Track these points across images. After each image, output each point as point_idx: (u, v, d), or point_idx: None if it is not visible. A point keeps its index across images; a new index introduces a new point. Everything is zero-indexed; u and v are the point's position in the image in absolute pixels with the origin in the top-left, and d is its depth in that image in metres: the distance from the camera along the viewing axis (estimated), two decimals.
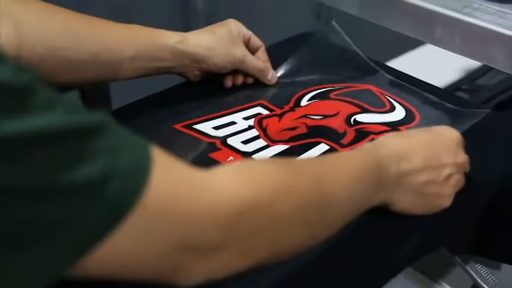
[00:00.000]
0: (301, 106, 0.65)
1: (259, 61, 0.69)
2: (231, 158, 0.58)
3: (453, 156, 0.51)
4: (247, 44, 0.69)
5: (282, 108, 0.64)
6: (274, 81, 0.69)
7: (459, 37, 0.66)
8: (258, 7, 1.71)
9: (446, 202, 0.52)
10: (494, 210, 0.59)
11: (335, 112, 0.63)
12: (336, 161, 0.47)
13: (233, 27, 0.67)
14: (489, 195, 0.59)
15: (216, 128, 0.62)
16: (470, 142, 0.55)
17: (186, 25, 1.93)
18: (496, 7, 0.66)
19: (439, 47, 0.68)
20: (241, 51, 0.67)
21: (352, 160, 0.47)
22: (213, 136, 0.61)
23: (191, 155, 0.59)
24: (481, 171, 0.56)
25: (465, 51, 0.66)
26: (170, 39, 0.63)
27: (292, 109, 0.64)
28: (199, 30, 0.67)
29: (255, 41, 0.70)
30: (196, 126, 0.62)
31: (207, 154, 0.58)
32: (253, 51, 0.69)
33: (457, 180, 0.52)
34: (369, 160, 0.47)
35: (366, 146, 0.51)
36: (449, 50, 0.67)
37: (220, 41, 0.66)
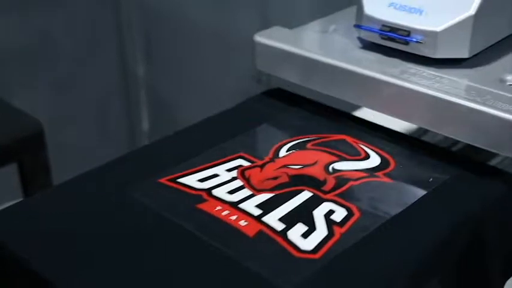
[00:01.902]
0: (279, 157, 0.66)
1: None
2: (218, 207, 0.58)
3: None
4: None
5: (262, 159, 0.65)
6: None
7: (398, 102, 0.66)
8: (197, 72, 1.72)
9: None
10: None
11: (314, 161, 0.65)
12: None
13: None
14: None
15: (201, 180, 0.62)
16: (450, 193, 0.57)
17: (126, 92, 1.92)
18: (433, 72, 0.68)
19: (380, 112, 0.68)
20: None
21: None
22: (198, 188, 0.61)
23: (179, 207, 0.59)
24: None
25: (404, 116, 0.67)
26: None
27: (272, 160, 0.65)
28: None
29: None
30: (181, 180, 0.62)
31: (194, 205, 0.59)
32: None
33: None
34: None
35: None
36: (389, 115, 0.68)
37: None
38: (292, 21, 0.85)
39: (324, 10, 0.87)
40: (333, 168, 0.64)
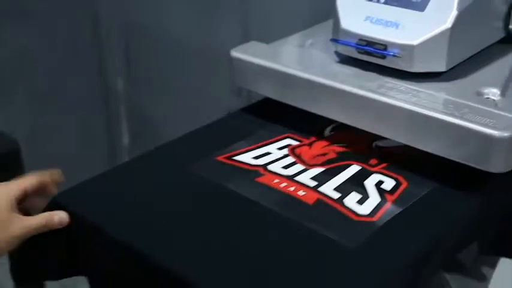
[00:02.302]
0: (325, 137, 0.72)
1: (38, 218, 0.62)
2: (276, 180, 0.65)
3: None
4: (22, 202, 0.63)
5: (309, 138, 0.72)
6: (64, 223, 0.62)
7: (375, 117, 0.66)
8: (179, 86, 1.71)
9: None
10: None
11: (357, 140, 0.71)
12: None
13: None
14: None
15: (255, 158, 0.69)
16: None
17: (107, 107, 1.91)
18: (410, 85, 0.67)
19: (358, 126, 0.68)
20: (18, 227, 0.61)
21: None
22: (254, 165, 0.68)
23: (238, 181, 0.65)
24: None
25: (382, 131, 0.66)
26: None
27: (318, 139, 0.72)
28: None
29: (30, 189, 0.64)
30: (237, 158, 0.69)
31: (253, 179, 0.65)
32: (33, 203, 0.64)
33: None
34: None
35: None
36: (367, 130, 0.67)
37: None
38: (274, 34, 0.84)
39: (304, 23, 0.86)
40: (376, 145, 0.71)
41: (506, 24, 0.73)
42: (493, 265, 0.73)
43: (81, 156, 1.93)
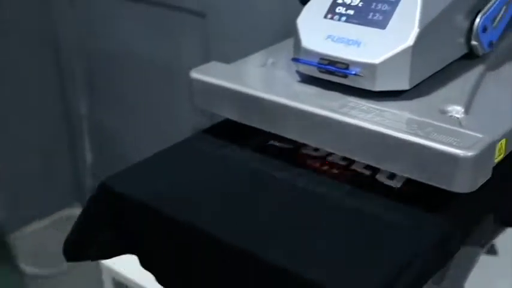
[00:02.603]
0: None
1: None
2: (309, 161, 0.70)
3: None
4: None
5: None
6: None
7: (338, 137, 0.64)
8: (143, 106, 1.69)
9: None
10: None
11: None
12: None
13: None
14: None
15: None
16: None
17: (69, 126, 1.88)
18: (373, 105, 0.66)
19: (320, 147, 0.66)
20: None
21: None
22: (286, 148, 0.72)
23: (274, 162, 0.70)
24: None
25: (346, 151, 0.65)
26: None
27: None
28: None
29: None
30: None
31: (288, 159, 0.70)
32: None
33: None
34: None
35: None
36: (330, 150, 0.66)
37: None
38: (236, 53, 0.83)
39: (267, 41, 0.85)
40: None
41: (468, 40, 0.72)
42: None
43: (45, 177, 1.90)
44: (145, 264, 0.68)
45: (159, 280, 0.67)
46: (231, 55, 0.82)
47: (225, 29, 1.35)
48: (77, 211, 1.63)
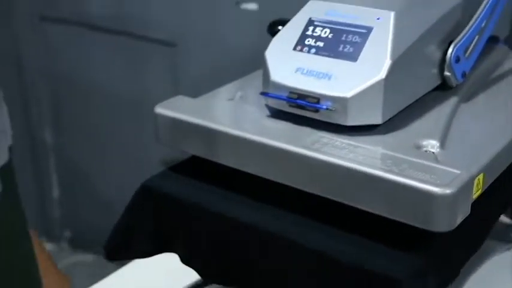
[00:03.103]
0: None
1: None
2: None
3: None
4: None
5: None
6: None
7: (310, 175, 0.61)
8: (111, 139, 1.65)
9: None
10: None
11: None
12: None
13: None
14: None
15: None
16: None
17: (35, 160, 1.83)
18: (346, 140, 0.63)
19: (291, 185, 0.63)
20: None
21: None
22: None
23: None
24: None
25: (318, 190, 0.62)
26: None
27: None
28: None
29: None
30: None
31: None
32: None
33: None
34: None
35: None
36: (302, 189, 0.63)
37: None
38: (205, 85, 0.80)
39: (239, 71, 0.83)
40: None
41: (441, 70, 0.70)
42: None
43: None
44: (186, 260, 0.71)
45: (201, 274, 0.71)
46: (201, 86, 0.80)
47: (194, 59, 1.33)
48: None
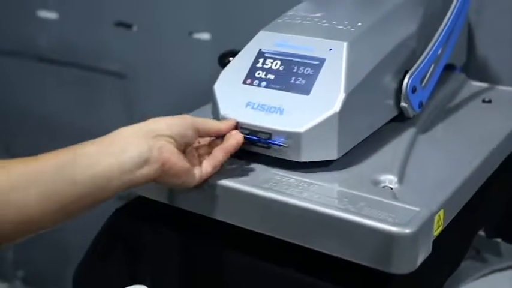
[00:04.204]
0: None
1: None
2: None
3: None
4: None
5: None
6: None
7: (262, 216, 0.58)
8: None
9: None
10: None
11: None
12: None
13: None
14: None
15: None
16: None
17: None
18: (300, 177, 0.60)
19: (245, 227, 0.60)
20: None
21: None
22: None
23: None
24: None
25: (270, 230, 0.58)
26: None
27: None
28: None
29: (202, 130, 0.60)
30: None
31: None
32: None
33: None
34: None
35: None
36: (255, 231, 0.59)
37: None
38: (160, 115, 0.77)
39: (190, 106, 0.79)
40: None
41: (398, 101, 0.68)
42: None
43: None
44: None
45: None
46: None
47: (146, 91, 1.30)
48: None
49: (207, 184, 0.60)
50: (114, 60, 1.35)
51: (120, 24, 1.33)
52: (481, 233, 0.81)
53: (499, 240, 0.87)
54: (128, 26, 1.32)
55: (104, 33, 1.36)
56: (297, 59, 0.63)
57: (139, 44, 1.31)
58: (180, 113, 0.77)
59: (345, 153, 0.62)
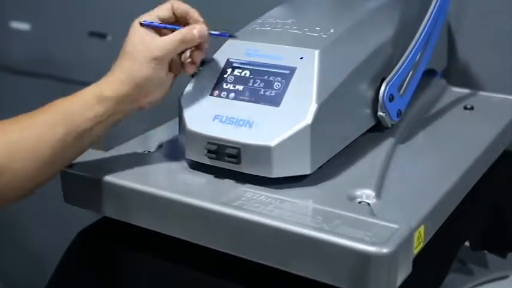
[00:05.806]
0: None
1: (175, 34, 0.60)
2: None
3: None
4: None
5: None
6: (204, 35, 0.60)
7: (233, 235, 0.55)
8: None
9: None
10: None
11: None
12: None
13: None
14: None
15: None
16: None
17: None
18: (272, 194, 0.57)
19: (212, 247, 0.56)
20: (157, 47, 0.60)
21: None
22: None
23: None
24: None
25: (240, 252, 0.55)
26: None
27: None
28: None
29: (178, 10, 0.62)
30: None
31: None
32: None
33: None
34: None
35: None
36: (224, 251, 0.56)
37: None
38: (132, 129, 0.73)
39: (167, 114, 0.76)
40: None
41: (375, 111, 0.65)
42: None
43: None
44: None
45: None
46: (128, 130, 0.72)
47: None
48: None
49: (171, 202, 0.56)
50: (89, 70, 1.32)
51: (94, 34, 1.30)
52: (467, 243, 0.78)
53: (485, 251, 0.84)
54: (102, 36, 1.30)
55: (77, 43, 1.34)
56: (267, 69, 0.60)
57: (115, 53, 1.28)
58: (159, 121, 0.74)
59: (319, 168, 0.58)
